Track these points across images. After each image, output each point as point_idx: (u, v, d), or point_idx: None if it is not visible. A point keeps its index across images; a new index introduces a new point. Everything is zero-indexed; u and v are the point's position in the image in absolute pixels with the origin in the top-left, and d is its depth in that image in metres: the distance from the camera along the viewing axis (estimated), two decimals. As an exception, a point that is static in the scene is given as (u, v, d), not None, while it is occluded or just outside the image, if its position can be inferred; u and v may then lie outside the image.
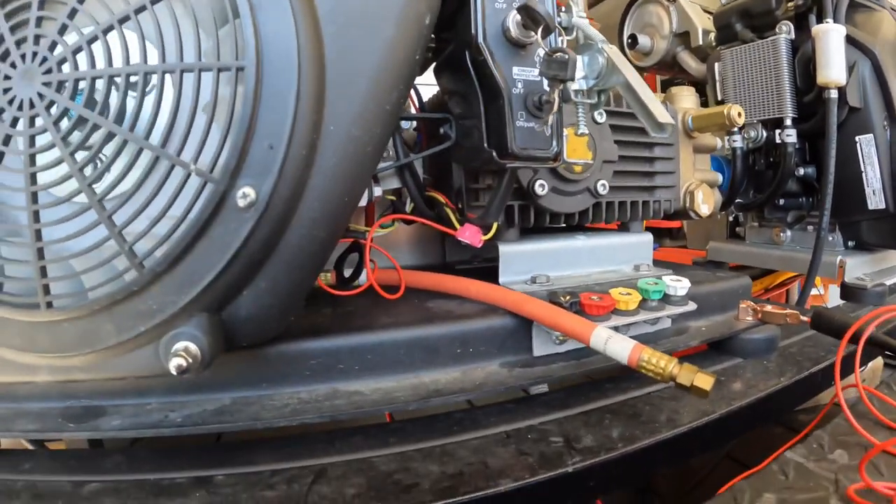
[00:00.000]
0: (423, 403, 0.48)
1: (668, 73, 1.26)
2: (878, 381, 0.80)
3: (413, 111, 0.69)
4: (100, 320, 0.40)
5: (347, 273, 0.66)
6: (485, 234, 0.58)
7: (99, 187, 0.38)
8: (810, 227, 1.04)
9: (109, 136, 0.37)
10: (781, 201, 1.02)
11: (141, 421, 0.45)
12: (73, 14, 0.37)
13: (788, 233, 1.07)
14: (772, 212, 1.07)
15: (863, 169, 0.91)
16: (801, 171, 0.97)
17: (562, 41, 0.51)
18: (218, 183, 0.36)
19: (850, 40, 0.89)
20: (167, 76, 0.36)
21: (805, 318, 0.69)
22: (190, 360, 0.38)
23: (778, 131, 0.93)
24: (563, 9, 0.54)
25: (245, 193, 0.36)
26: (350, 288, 0.61)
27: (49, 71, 0.37)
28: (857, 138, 0.91)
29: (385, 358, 0.52)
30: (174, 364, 0.38)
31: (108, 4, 0.37)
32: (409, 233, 0.84)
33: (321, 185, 0.39)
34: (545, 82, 0.50)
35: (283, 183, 0.37)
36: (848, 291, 0.97)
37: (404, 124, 0.65)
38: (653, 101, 0.42)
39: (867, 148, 0.90)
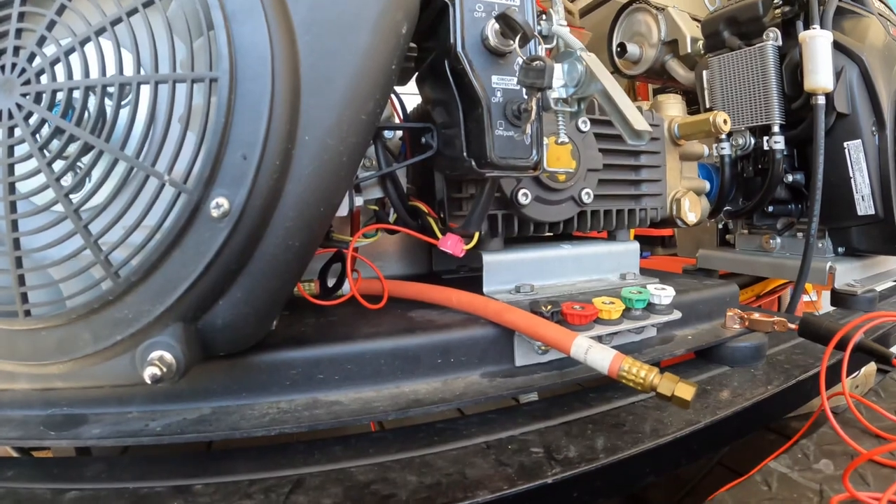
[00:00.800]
0: (402, 413, 0.48)
1: (657, 81, 1.27)
2: (870, 386, 0.80)
3: (397, 120, 0.69)
4: (77, 329, 0.40)
5: (331, 283, 0.66)
6: (467, 243, 0.58)
7: (76, 197, 0.38)
8: (800, 234, 1.04)
9: (86, 147, 0.37)
10: (770, 208, 1.02)
11: (121, 429, 0.45)
12: (51, 26, 0.38)
13: (778, 240, 1.07)
14: (761, 219, 1.07)
15: (851, 175, 0.92)
16: (790, 178, 0.97)
17: (541, 49, 0.51)
18: (191, 193, 0.36)
19: (838, 46, 0.89)
20: (142, 87, 0.37)
21: (793, 326, 0.69)
22: (165, 370, 0.38)
23: (766, 138, 0.94)
24: (544, 17, 0.54)
25: (219, 203, 0.36)
26: (333, 298, 0.61)
27: (28, 82, 0.37)
28: (845, 144, 0.91)
29: (365, 368, 0.52)
30: (149, 373, 0.38)
31: (85, 16, 0.37)
32: (396, 242, 0.84)
33: (296, 195, 0.39)
34: (524, 91, 0.50)
35: (256, 193, 0.37)
36: (838, 297, 0.97)
37: (388, 134, 0.65)
38: (630, 108, 0.41)
39: (855, 154, 0.91)
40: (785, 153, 0.93)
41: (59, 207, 0.38)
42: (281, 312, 0.47)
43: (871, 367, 0.89)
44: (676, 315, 0.61)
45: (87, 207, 0.38)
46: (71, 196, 0.38)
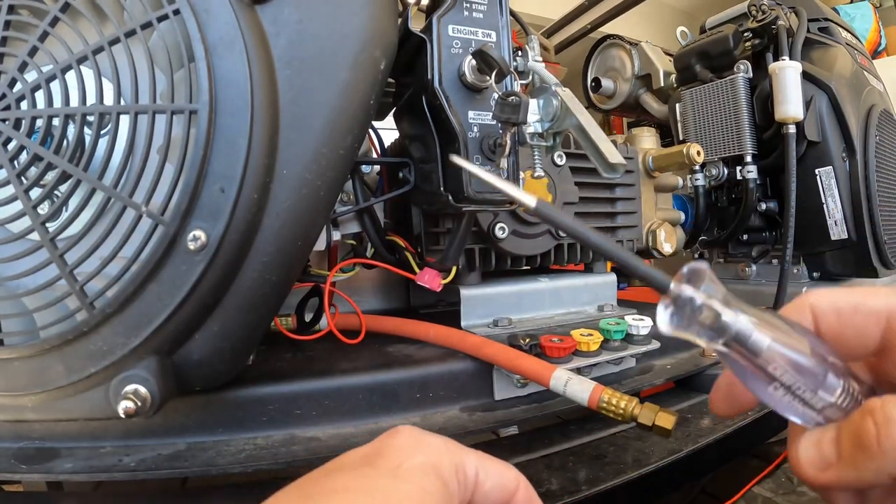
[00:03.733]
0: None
1: (631, 115, 1.29)
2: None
3: (374, 155, 0.70)
4: (51, 360, 0.39)
5: (308, 317, 0.65)
6: (444, 277, 0.58)
7: (52, 226, 0.37)
8: (775, 261, 1.05)
9: (64, 175, 0.37)
10: (745, 236, 1.04)
11: (94, 464, 0.44)
12: (33, 52, 0.38)
13: (754, 267, 1.08)
14: (736, 247, 1.09)
15: (824, 201, 0.94)
16: (764, 206, 0.99)
17: (517, 85, 0.52)
18: (168, 225, 0.36)
19: (807, 76, 0.92)
20: (122, 117, 0.37)
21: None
22: (139, 404, 0.37)
23: (739, 168, 0.96)
24: (520, 53, 0.55)
25: (196, 236, 0.36)
26: (310, 332, 0.61)
27: (8, 107, 0.37)
28: (816, 171, 0.93)
29: (343, 403, 0.51)
30: (123, 407, 0.37)
31: (67, 44, 0.37)
32: (373, 277, 0.84)
33: (273, 229, 0.39)
34: (500, 125, 0.51)
35: (234, 226, 0.37)
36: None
37: (366, 168, 0.65)
38: (604, 141, 0.42)
39: (827, 180, 0.93)
40: (758, 182, 0.95)
41: (34, 236, 0.37)
42: (258, 347, 0.46)
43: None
44: (655, 345, 0.61)
45: (63, 237, 0.37)
46: (47, 224, 0.37)
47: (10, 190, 0.37)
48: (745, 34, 0.97)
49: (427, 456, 0.24)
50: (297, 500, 0.22)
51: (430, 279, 0.53)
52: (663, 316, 0.23)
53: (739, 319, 0.23)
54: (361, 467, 0.24)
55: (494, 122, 0.51)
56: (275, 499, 0.23)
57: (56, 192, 0.38)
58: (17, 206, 0.37)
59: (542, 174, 0.52)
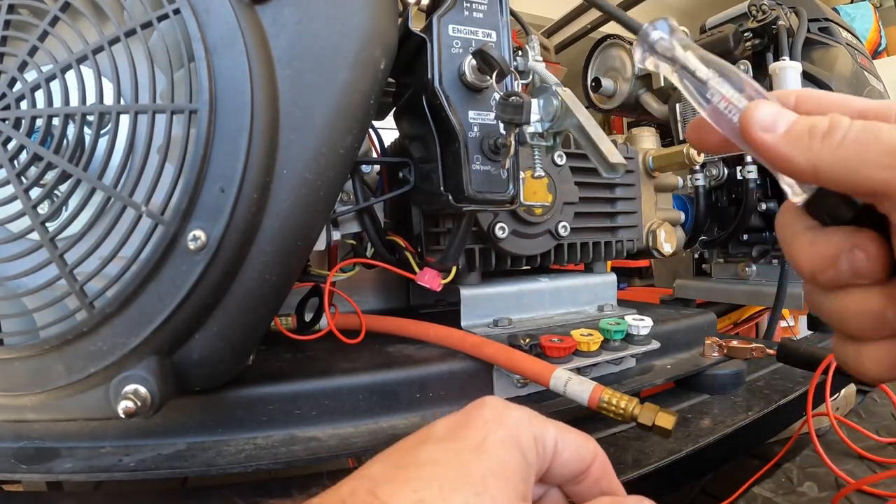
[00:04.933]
0: (380, 450, 0.47)
1: (631, 115, 1.29)
2: (851, 407, 0.81)
3: (374, 155, 0.70)
4: (50, 360, 0.39)
5: (308, 317, 0.65)
6: (444, 277, 0.58)
7: (52, 225, 0.37)
8: (775, 261, 1.05)
9: (64, 175, 0.37)
10: (745, 236, 1.04)
11: (94, 464, 0.44)
12: (33, 51, 0.38)
13: (754, 267, 1.08)
14: (736, 247, 1.09)
15: (823, 200, 0.93)
16: (764, 206, 0.99)
17: (518, 85, 0.52)
18: (168, 225, 0.36)
19: (807, 76, 0.92)
20: (122, 117, 0.37)
21: (771, 351, 0.70)
22: (139, 404, 0.37)
23: (739, 168, 0.96)
24: (520, 53, 0.55)
25: (196, 236, 0.36)
26: (310, 332, 0.61)
27: (7, 107, 0.37)
28: (816, 171, 0.93)
29: (343, 403, 0.51)
30: (122, 407, 0.37)
31: (67, 43, 0.37)
32: (373, 277, 0.84)
33: (273, 229, 0.39)
34: (501, 126, 0.50)
35: (234, 226, 0.37)
36: (815, 322, 0.98)
37: (366, 168, 0.65)
38: (605, 141, 0.42)
39: (827, 181, 0.93)
40: (758, 182, 0.95)
41: (34, 235, 0.37)
42: (257, 347, 0.46)
43: (851, 388, 0.90)
44: (655, 345, 0.61)
45: (63, 236, 0.37)
46: (47, 224, 0.37)
47: (9, 189, 0.37)
48: (746, 34, 0.97)
49: (509, 429, 0.27)
50: (391, 469, 0.25)
51: (431, 279, 0.53)
52: (636, 51, 0.32)
53: (686, 54, 0.30)
54: (449, 441, 0.26)
55: (495, 122, 0.51)
56: (370, 464, 0.27)
57: (56, 191, 0.38)
58: (17, 205, 0.37)
59: (543, 174, 0.52)
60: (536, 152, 0.50)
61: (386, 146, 0.71)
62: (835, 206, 0.26)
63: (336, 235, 0.63)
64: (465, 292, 0.64)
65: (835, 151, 0.23)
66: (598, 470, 0.30)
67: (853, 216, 0.25)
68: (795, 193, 0.27)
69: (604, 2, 0.37)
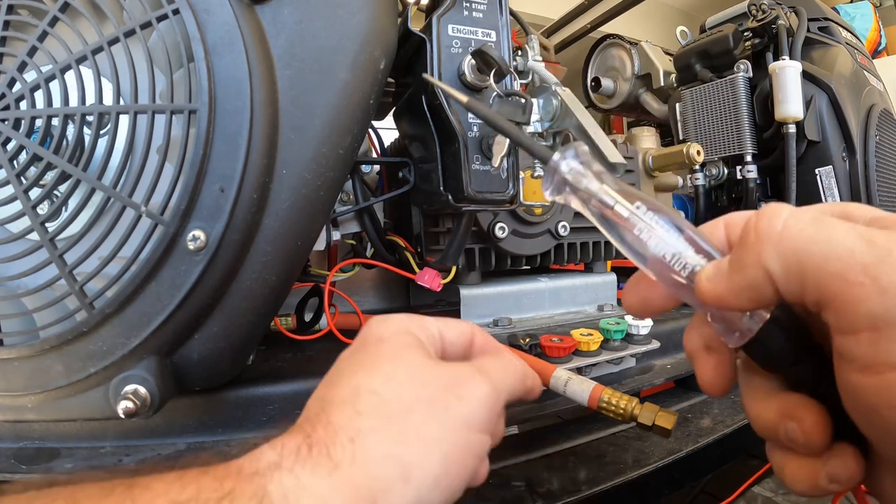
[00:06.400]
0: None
1: (631, 115, 1.29)
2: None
3: (374, 155, 0.70)
4: (50, 360, 0.39)
5: (308, 317, 0.65)
6: (444, 277, 0.58)
7: (52, 226, 0.37)
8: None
9: (63, 175, 0.37)
10: (745, 237, 1.04)
11: (94, 465, 0.44)
12: (32, 52, 0.38)
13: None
14: (736, 248, 1.09)
15: (824, 200, 0.93)
16: (764, 206, 0.98)
17: (517, 84, 0.52)
18: (168, 225, 0.36)
19: (807, 76, 0.91)
20: (121, 117, 0.37)
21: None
22: (139, 404, 0.37)
23: (739, 168, 0.95)
24: (519, 53, 0.55)
25: (195, 236, 0.36)
26: (310, 332, 0.61)
27: (7, 107, 0.37)
28: (816, 171, 0.93)
29: (344, 401, 0.51)
30: (122, 407, 0.37)
31: (66, 43, 0.37)
32: (373, 277, 0.84)
33: (273, 229, 0.39)
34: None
35: (233, 226, 0.37)
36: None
37: (366, 168, 0.65)
38: (604, 141, 0.42)
39: (827, 180, 0.93)
40: (758, 182, 0.95)
41: (34, 236, 0.37)
42: (257, 347, 0.46)
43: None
44: (655, 345, 0.61)
45: (62, 237, 0.37)
46: (47, 224, 0.37)
47: (9, 190, 0.37)
48: (745, 34, 0.97)
49: (397, 325, 0.33)
50: (323, 389, 0.30)
51: (431, 279, 0.53)
52: (545, 183, 0.30)
53: (602, 186, 0.28)
54: (356, 353, 0.32)
55: (494, 122, 0.51)
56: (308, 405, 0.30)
57: (55, 192, 0.38)
58: (17, 206, 0.37)
59: (542, 174, 0.52)
60: (536, 152, 0.50)
61: (386, 146, 0.71)
62: (773, 350, 0.24)
63: (336, 235, 0.63)
64: (464, 292, 0.64)
65: (778, 242, 0.21)
66: (480, 341, 0.37)
67: (793, 361, 0.24)
68: (742, 334, 0.25)
69: (515, 131, 0.37)
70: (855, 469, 0.22)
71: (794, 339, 0.24)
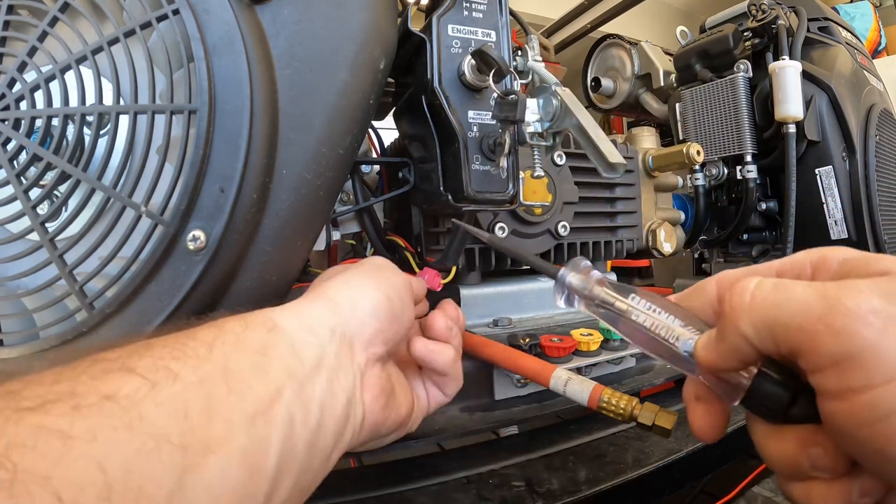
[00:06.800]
0: (381, 450, 0.47)
1: (631, 115, 1.29)
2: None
3: (374, 155, 0.70)
4: (45, 366, 0.39)
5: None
6: (444, 277, 0.58)
7: (52, 226, 0.37)
8: (775, 261, 1.05)
9: (63, 175, 0.37)
10: (745, 236, 1.04)
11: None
12: (32, 52, 0.38)
13: (754, 267, 1.08)
14: (736, 247, 1.09)
15: (824, 200, 0.94)
16: (764, 206, 0.99)
17: (517, 84, 0.52)
18: (168, 225, 0.36)
19: (807, 75, 0.92)
20: (121, 117, 0.37)
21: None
22: (138, 405, 0.37)
23: (739, 167, 0.95)
24: (519, 53, 0.55)
25: (195, 236, 0.36)
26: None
27: (7, 108, 0.37)
28: (816, 171, 0.93)
29: (344, 402, 0.51)
30: (122, 408, 0.37)
31: (66, 43, 0.37)
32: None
33: (273, 229, 0.39)
34: (500, 125, 0.50)
35: (233, 226, 0.37)
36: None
37: (366, 168, 0.65)
38: (604, 141, 0.42)
39: (827, 180, 0.93)
40: (758, 182, 0.95)
41: (34, 236, 0.38)
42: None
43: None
44: (655, 345, 0.61)
45: (62, 237, 0.37)
46: (47, 224, 0.37)
47: (9, 190, 0.37)
48: (745, 34, 0.97)
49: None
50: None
51: (431, 279, 0.53)
52: (555, 293, 0.36)
53: (602, 290, 0.33)
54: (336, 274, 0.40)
55: (494, 122, 0.51)
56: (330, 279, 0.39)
57: (55, 192, 0.38)
58: (17, 206, 0.38)
59: (542, 174, 0.52)
60: (536, 152, 0.50)
61: (386, 146, 0.71)
62: (766, 398, 0.27)
63: (336, 235, 0.63)
64: (464, 292, 0.64)
65: (749, 312, 0.25)
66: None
67: (787, 406, 0.26)
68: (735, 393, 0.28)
69: (527, 254, 0.43)
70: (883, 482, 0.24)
71: (785, 384, 0.26)
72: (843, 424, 0.23)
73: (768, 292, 0.25)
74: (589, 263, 0.36)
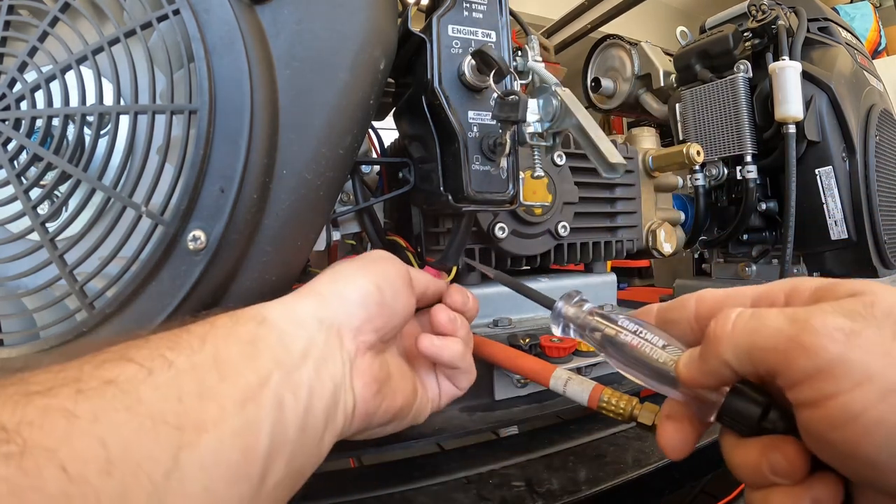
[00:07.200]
0: (380, 449, 0.47)
1: (631, 115, 1.29)
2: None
3: (374, 155, 0.70)
4: (50, 360, 0.39)
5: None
6: (444, 277, 0.58)
7: (52, 226, 0.37)
8: (775, 261, 1.05)
9: (64, 175, 0.37)
10: (745, 236, 1.04)
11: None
12: (33, 52, 0.38)
13: (754, 267, 1.08)
14: (736, 247, 1.09)
15: (824, 200, 0.94)
16: (764, 206, 0.99)
17: (517, 85, 0.52)
18: (168, 225, 0.36)
19: (807, 76, 0.92)
20: (122, 117, 0.37)
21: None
22: (138, 405, 0.37)
23: (739, 168, 0.95)
24: (519, 53, 0.55)
25: (195, 236, 0.36)
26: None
27: (7, 108, 0.37)
28: (816, 171, 0.93)
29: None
30: (122, 408, 0.37)
31: (67, 43, 0.37)
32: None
33: (273, 229, 0.39)
34: (499, 125, 0.50)
35: (233, 226, 0.37)
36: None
37: (366, 168, 0.65)
38: (604, 141, 0.42)
39: (827, 180, 0.93)
40: (758, 182, 0.95)
41: (34, 236, 0.38)
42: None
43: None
44: (655, 345, 0.61)
45: (63, 237, 0.37)
46: (47, 225, 0.37)
47: (9, 190, 0.38)
48: (745, 34, 0.97)
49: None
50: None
51: (430, 278, 0.53)
52: (552, 322, 0.41)
53: (594, 321, 0.37)
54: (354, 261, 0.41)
55: (494, 122, 0.51)
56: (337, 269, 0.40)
57: (56, 192, 0.38)
58: (17, 206, 0.38)
59: (542, 174, 0.52)
60: (536, 152, 0.50)
61: (386, 146, 0.71)
62: (739, 412, 0.29)
63: (336, 235, 0.63)
64: (475, 290, 0.64)
65: (729, 340, 0.28)
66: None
67: (759, 420, 0.29)
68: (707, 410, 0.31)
69: (525, 287, 0.47)
70: (836, 491, 0.27)
71: (756, 399, 0.29)
72: (818, 430, 0.25)
73: (746, 321, 0.28)
74: (582, 294, 0.40)
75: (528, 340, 0.53)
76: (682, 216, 0.94)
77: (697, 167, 0.94)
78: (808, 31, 0.96)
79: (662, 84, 1.12)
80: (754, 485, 0.29)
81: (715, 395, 0.30)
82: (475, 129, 0.50)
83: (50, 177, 0.37)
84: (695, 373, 0.30)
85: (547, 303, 0.42)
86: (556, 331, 0.40)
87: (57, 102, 0.37)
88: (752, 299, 0.32)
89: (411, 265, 0.61)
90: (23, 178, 0.37)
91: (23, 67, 0.38)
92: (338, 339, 0.35)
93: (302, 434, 0.31)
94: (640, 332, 0.34)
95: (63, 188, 0.37)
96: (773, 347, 0.26)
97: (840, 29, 1.04)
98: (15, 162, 0.37)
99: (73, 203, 0.37)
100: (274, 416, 0.29)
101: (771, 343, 0.27)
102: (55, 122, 0.37)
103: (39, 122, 0.37)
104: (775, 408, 0.29)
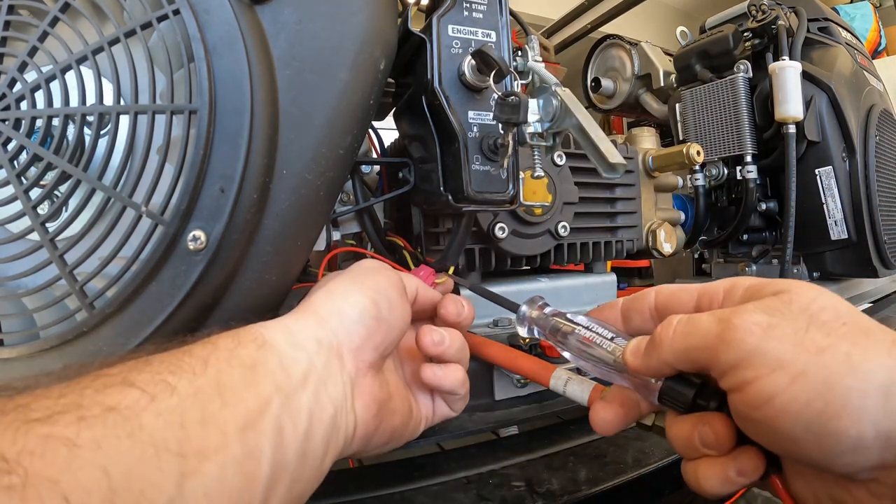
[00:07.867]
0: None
1: (631, 115, 1.29)
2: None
3: (374, 155, 0.70)
4: (50, 360, 0.39)
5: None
6: (442, 277, 0.58)
7: (52, 226, 0.37)
8: (775, 261, 1.05)
9: (64, 175, 0.37)
10: (745, 236, 1.04)
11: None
12: (33, 52, 0.38)
13: (754, 267, 1.08)
14: (736, 247, 1.09)
15: (824, 201, 0.94)
16: (764, 206, 0.99)
17: (517, 85, 0.52)
18: (168, 225, 0.36)
19: (807, 76, 0.92)
20: (122, 117, 0.37)
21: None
22: (138, 405, 0.37)
23: (739, 168, 0.95)
24: (519, 53, 0.55)
25: (195, 236, 0.36)
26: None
27: (7, 108, 0.37)
28: (816, 171, 0.93)
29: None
30: (122, 408, 0.37)
31: (67, 43, 0.37)
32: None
33: (273, 229, 0.39)
34: (500, 126, 0.50)
35: (233, 226, 0.37)
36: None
37: (366, 168, 0.65)
38: (604, 141, 0.42)
39: (827, 180, 0.93)
40: (758, 182, 0.95)
41: (34, 236, 0.38)
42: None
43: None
44: (655, 345, 0.61)
45: (63, 237, 0.37)
46: (47, 225, 0.37)
47: (9, 190, 0.38)
48: (745, 34, 0.97)
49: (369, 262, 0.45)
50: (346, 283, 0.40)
51: (424, 276, 0.53)
52: (518, 325, 0.46)
53: (554, 321, 0.42)
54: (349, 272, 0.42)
55: (494, 122, 0.51)
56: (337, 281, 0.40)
57: (56, 192, 0.38)
58: (17, 206, 0.38)
59: (542, 174, 0.52)
60: (536, 152, 0.50)
61: (386, 146, 0.71)
62: (676, 393, 0.33)
63: (336, 235, 0.63)
64: (465, 293, 0.63)
65: (670, 344, 0.32)
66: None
67: (693, 397, 0.33)
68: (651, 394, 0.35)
69: (489, 293, 0.52)
70: (759, 463, 0.31)
71: (691, 382, 0.33)
72: (743, 411, 0.29)
73: (684, 325, 0.32)
74: (544, 299, 0.45)
75: (528, 340, 0.53)
76: (682, 216, 0.94)
77: (697, 167, 0.94)
78: (808, 31, 0.96)
79: (662, 84, 1.12)
80: (688, 456, 0.33)
81: (655, 380, 0.35)
82: (475, 129, 0.50)
83: (50, 177, 0.37)
84: (640, 361, 0.34)
85: (513, 307, 0.46)
86: (523, 332, 0.45)
87: (57, 102, 0.37)
88: (698, 294, 0.36)
89: (408, 266, 0.61)
90: (23, 178, 0.37)
91: (23, 67, 0.38)
92: (338, 359, 0.36)
93: (302, 459, 0.31)
94: (592, 328, 0.39)
95: (63, 188, 0.37)
96: (704, 346, 0.30)
97: (840, 29, 1.04)
98: (15, 162, 0.37)
99: (73, 203, 0.37)
100: (274, 441, 0.29)
101: (702, 342, 0.30)
102: (55, 122, 0.37)
103: (39, 122, 0.37)
104: (708, 388, 0.33)
